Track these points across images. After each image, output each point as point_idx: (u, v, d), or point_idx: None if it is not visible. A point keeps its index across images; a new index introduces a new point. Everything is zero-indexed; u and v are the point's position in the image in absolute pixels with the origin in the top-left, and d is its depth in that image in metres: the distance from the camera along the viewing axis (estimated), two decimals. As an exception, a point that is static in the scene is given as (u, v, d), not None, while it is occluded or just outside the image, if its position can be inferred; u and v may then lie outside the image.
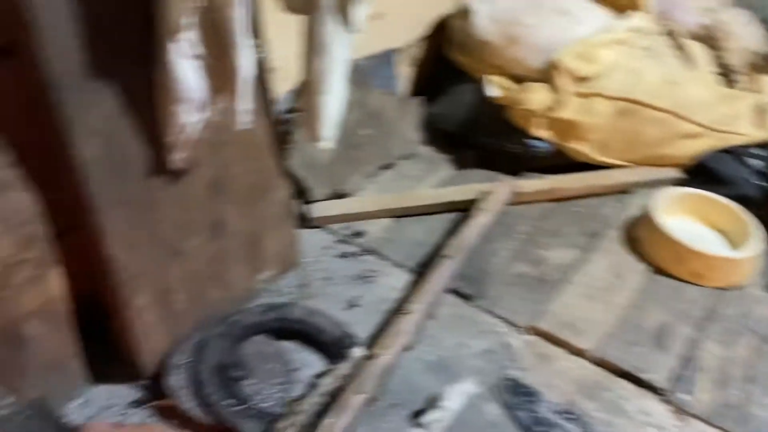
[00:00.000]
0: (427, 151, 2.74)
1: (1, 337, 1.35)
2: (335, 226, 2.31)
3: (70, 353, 1.53)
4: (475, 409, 1.65)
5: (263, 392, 1.60)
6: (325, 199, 2.37)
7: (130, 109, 1.39)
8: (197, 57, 1.38)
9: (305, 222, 2.27)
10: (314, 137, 1.73)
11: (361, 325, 1.88)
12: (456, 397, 1.62)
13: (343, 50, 1.63)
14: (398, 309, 1.90)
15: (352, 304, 1.98)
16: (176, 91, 1.39)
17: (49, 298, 1.43)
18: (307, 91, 1.69)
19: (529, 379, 1.75)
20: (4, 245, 1.29)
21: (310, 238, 2.21)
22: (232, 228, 1.76)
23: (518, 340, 1.89)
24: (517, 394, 1.68)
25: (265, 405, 1.57)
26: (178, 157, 1.50)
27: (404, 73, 2.87)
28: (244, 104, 1.49)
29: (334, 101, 1.70)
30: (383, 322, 1.90)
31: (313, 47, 1.59)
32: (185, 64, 1.37)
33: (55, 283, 1.43)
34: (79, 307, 1.53)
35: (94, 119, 1.33)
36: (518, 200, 2.39)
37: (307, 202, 2.32)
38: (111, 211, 1.42)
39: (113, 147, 1.38)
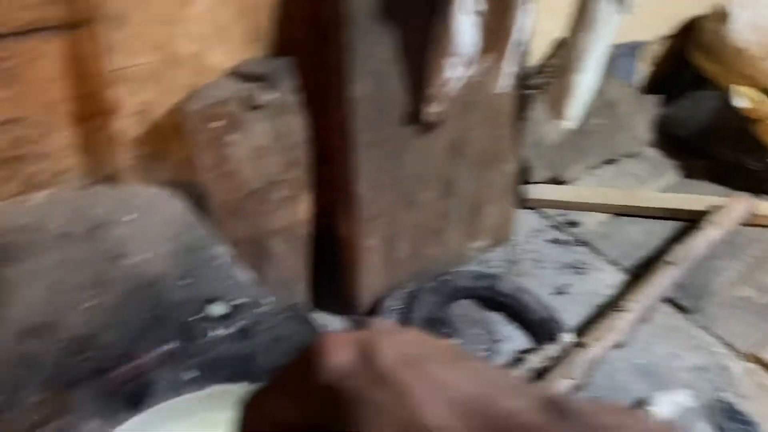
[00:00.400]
0: (655, 153, 2.60)
1: (252, 246, 1.46)
2: (550, 211, 2.27)
3: (300, 276, 1.63)
4: (686, 422, 1.56)
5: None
6: (543, 182, 2.33)
7: (403, 55, 1.44)
8: (478, 13, 1.40)
9: (521, 201, 2.25)
10: (559, 114, 1.70)
11: (569, 313, 1.84)
12: (667, 405, 1.54)
13: (609, 31, 1.58)
14: (612, 305, 1.84)
15: (560, 291, 1.94)
16: (450, 45, 1.41)
17: (296, 220, 1.53)
18: (564, 67, 1.66)
19: (747, 407, 1.62)
20: (273, 162, 1.39)
21: (523, 218, 2.19)
22: (460, 190, 1.78)
23: (737, 365, 1.75)
24: (733, 420, 1.56)
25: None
26: (433, 110, 1.54)
27: (643, 69, 2.74)
28: (510, 67, 1.49)
29: (587, 81, 1.66)
30: (593, 315, 1.85)
31: (582, 23, 1.55)
32: (465, 19, 1.39)
33: (303, 208, 1.53)
34: (315, 236, 1.62)
35: (372, 60, 1.39)
36: (753, 221, 2.21)
37: (526, 182, 2.30)
38: (366, 151, 1.48)
39: (381, 89, 1.44)
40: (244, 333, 0.98)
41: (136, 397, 0.81)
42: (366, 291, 1.67)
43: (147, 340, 0.87)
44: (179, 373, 0.81)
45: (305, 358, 0.29)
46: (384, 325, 0.31)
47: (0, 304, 0.98)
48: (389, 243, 1.66)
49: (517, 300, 1.79)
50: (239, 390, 0.80)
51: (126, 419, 0.73)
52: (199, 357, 0.91)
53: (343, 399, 0.27)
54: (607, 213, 2.28)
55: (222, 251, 1.14)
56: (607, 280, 2.00)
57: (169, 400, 0.78)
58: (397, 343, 0.29)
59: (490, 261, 2.01)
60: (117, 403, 0.78)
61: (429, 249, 1.80)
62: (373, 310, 1.67)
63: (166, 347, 0.79)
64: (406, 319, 1.65)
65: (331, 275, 1.72)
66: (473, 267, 1.93)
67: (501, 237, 2.04)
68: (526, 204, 2.25)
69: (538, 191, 2.29)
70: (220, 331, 0.98)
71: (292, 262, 1.59)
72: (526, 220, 2.21)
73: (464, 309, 1.76)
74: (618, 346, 1.70)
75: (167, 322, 0.96)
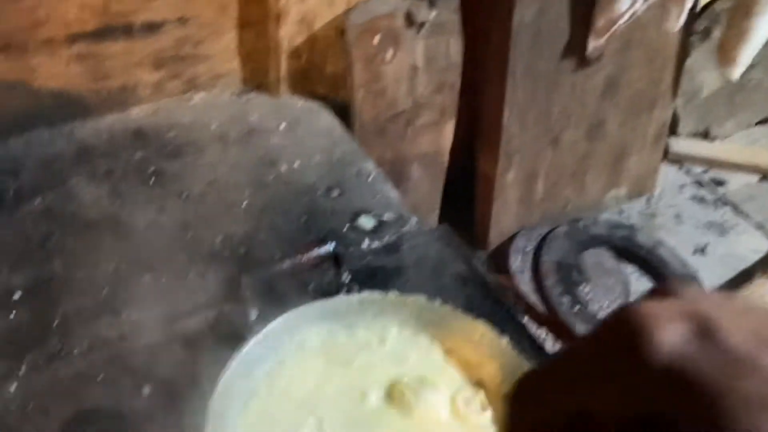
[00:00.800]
0: (820, 116, 2.38)
1: (392, 170, 1.45)
2: (695, 167, 2.13)
3: (434, 205, 1.61)
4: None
5: (600, 303, 1.56)
6: (691, 136, 2.19)
7: (570, -18, 1.36)
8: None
9: (665, 153, 2.12)
10: (728, 60, 1.56)
11: (708, 274, 1.74)
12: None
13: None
14: (756, 271, 1.72)
15: (700, 250, 1.83)
16: (623, -26, 1.32)
17: (437, 147, 1.50)
18: (740, 8, 1.52)
19: None
20: (424, 84, 1.37)
21: (667, 171, 2.07)
22: (608, 133, 1.70)
23: None
24: None
25: (601, 315, 1.53)
26: (594, 45, 1.45)
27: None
28: (685, 3, 1.38)
29: (764, 25, 1.51)
30: (734, 279, 1.74)
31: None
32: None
33: (447, 135, 1.50)
34: (451, 166, 1.59)
35: (538, -15, 1.32)
36: None
37: (672, 134, 2.16)
38: (518, 82, 1.43)
39: (545, 19, 1.37)
40: (391, 248, 0.98)
41: (293, 293, 0.82)
42: (497, 228, 1.64)
43: (302, 243, 0.89)
44: (334, 277, 0.81)
45: (619, 332, 0.25)
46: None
47: (166, 195, 1.02)
48: (527, 181, 1.61)
49: (655, 254, 1.70)
50: (391, 298, 0.80)
51: (280, 315, 0.75)
52: (351, 264, 0.92)
53: (695, 386, 0.23)
54: (757, 174, 2.12)
55: (370, 167, 1.14)
56: (752, 244, 1.87)
57: (323, 300, 0.79)
58: (736, 315, 0.25)
59: (629, 212, 1.92)
60: (275, 298, 0.80)
61: (566, 192, 1.74)
62: (502, 250, 1.64)
63: (323, 249, 0.79)
64: (535, 261, 1.61)
65: (462, 209, 1.69)
66: (610, 216, 1.85)
67: (642, 188, 1.94)
68: (670, 157, 2.13)
69: (684, 145, 2.15)
70: (369, 244, 0.99)
71: (427, 191, 1.57)
72: (670, 174, 2.09)
73: (597, 258, 1.70)
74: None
75: (320, 228, 0.97)
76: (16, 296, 0.84)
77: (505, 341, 0.76)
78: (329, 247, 0.81)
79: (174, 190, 1.04)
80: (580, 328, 1.47)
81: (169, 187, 1.04)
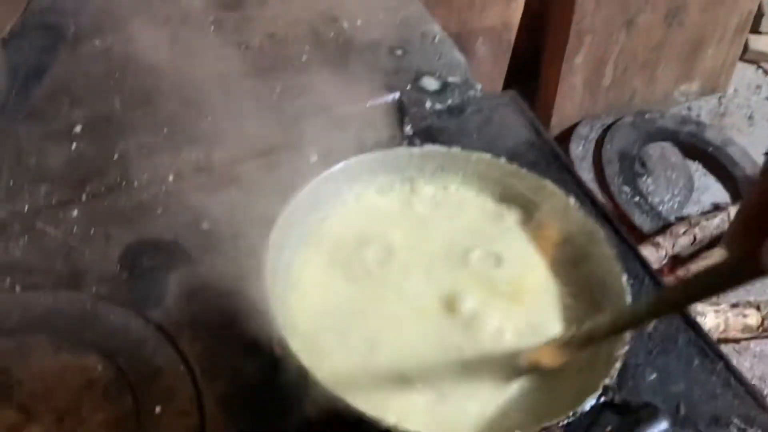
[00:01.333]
0: None
1: (456, 44, 1.39)
2: (775, 67, 2.00)
3: (496, 84, 1.55)
4: None
5: (660, 195, 1.51)
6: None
7: None
8: None
9: (744, 50, 2.00)
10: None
11: (778, 177, 1.65)
12: None
13: None
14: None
15: (771, 153, 1.75)
16: None
17: (505, 20, 1.43)
18: None
19: None
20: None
21: (742, 69, 1.95)
22: (687, 20, 1.59)
23: None
24: None
25: (660, 207, 1.48)
26: None
27: None
28: None
29: None
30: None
31: None
32: None
33: (516, 8, 1.42)
34: (518, 45, 1.52)
35: None
36: None
37: (754, 31, 2.02)
38: (597, -48, 1.33)
39: None
40: (455, 110, 0.94)
41: (353, 145, 0.80)
42: (560, 115, 1.58)
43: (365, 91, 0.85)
44: (396, 130, 0.78)
45: None
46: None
47: (225, 44, 1.00)
48: (595, 65, 1.54)
49: (724, 152, 1.63)
50: (455, 152, 0.77)
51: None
52: (413, 124, 0.88)
53: None
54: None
55: (436, 29, 1.09)
56: (832, 151, 1.77)
57: (384, 150, 0.76)
58: None
59: (698, 110, 1.83)
60: (335, 147, 0.77)
61: (635, 81, 1.66)
62: (564, 137, 1.59)
63: (387, 98, 0.76)
64: (598, 150, 1.56)
65: (525, 93, 1.62)
66: (679, 110, 1.77)
67: (715, 85, 1.84)
68: (748, 55, 2.00)
69: (764, 43, 2.02)
70: (432, 105, 0.95)
71: (491, 68, 1.51)
72: (745, 73, 1.97)
73: (662, 151, 1.63)
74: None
75: (383, 82, 0.94)
76: (77, 129, 0.84)
77: (572, 200, 0.73)
78: (393, 95, 0.77)
79: (233, 40, 1.01)
80: (639, 219, 1.43)
81: (229, 37, 1.01)
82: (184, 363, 0.63)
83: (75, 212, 0.74)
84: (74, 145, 0.82)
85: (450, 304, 0.65)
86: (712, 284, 0.44)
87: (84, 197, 0.76)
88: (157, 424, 0.58)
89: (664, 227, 1.40)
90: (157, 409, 0.60)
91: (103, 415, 0.59)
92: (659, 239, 1.32)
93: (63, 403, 0.59)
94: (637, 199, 1.45)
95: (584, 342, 0.57)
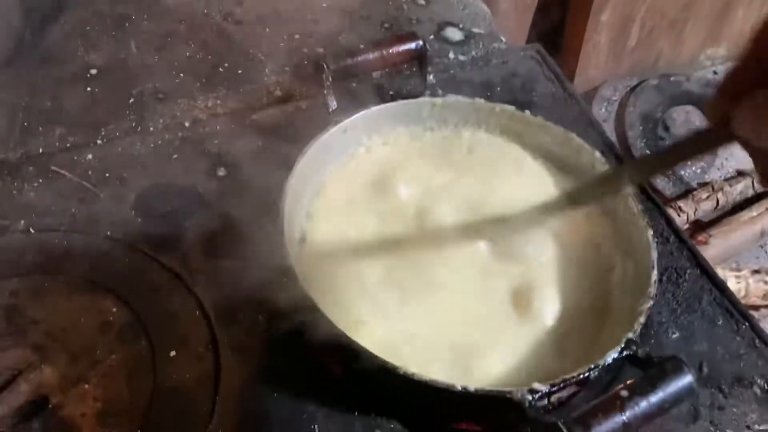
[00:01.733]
0: None
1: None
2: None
3: (520, 41, 1.52)
4: None
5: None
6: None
7: None
8: None
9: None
10: None
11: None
12: None
13: None
14: None
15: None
16: None
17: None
18: None
19: None
20: None
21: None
22: (717, -23, 1.54)
23: None
24: None
25: (683, 172, 1.45)
26: None
27: None
28: None
29: None
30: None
31: None
32: None
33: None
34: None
35: None
36: None
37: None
38: None
39: None
40: (478, 62, 0.92)
41: (374, 94, 0.78)
42: (584, 76, 1.54)
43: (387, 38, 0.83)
44: (418, 80, 0.76)
45: None
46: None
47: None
48: (622, 23, 1.49)
49: (749, 118, 1.58)
50: (479, 103, 0.75)
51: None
52: (438, 72, 0.86)
53: None
54: None
55: (460, -21, 1.05)
56: None
57: (406, 100, 0.75)
58: None
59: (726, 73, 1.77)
60: (356, 97, 0.76)
61: (661, 43, 1.61)
62: (587, 98, 1.55)
63: (409, 45, 0.74)
64: (620, 112, 1.52)
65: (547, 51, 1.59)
66: (705, 74, 1.72)
67: (743, 49, 1.78)
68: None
69: (799, 6, 1.95)
70: (455, 56, 0.93)
71: (515, 24, 1.47)
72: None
73: (686, 116, 1.59)
74: None
75: (405, 31, 0.91)
76: (93, 72, 0.83)
77: (598, 154, 0.71)
78: (417, 43, 0.75)
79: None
80: (661, 183, 1.41)
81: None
82: (199, 308, 0.62)
83: (90, 156, 0.73)
84: (89, 88, 0.81)
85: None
86: (690, 149, 0.47)
87: (99, 141, 0.75)
88: (172, 368, 0.58)
89: (686, 192, 1.37)
90: (172, 353, 0.59)
91: (118, 357, 0.58)
92: (681, 203, 1.29)
93: (77, 344, 0.59)
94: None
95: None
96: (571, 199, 0.61)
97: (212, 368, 0.58)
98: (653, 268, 0.60)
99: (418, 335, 0.59)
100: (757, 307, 1.21)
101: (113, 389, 0.56)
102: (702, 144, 0.46)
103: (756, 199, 1.36)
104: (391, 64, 0.76)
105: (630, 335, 0.55)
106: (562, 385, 0.53)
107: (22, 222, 0.67)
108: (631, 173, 0.57)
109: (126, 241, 0.66)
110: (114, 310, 0.61)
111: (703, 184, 1.41)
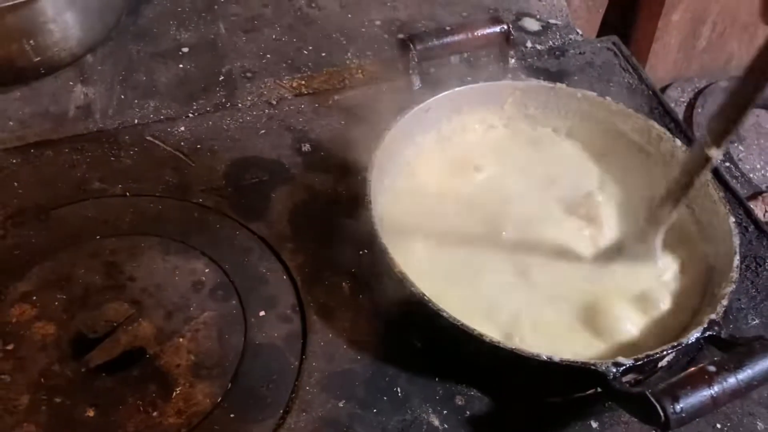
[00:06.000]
0: None
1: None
2: None
3: (590, 35, 1.51)
4: None
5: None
6: None
7: None
8: None
9: None
10: None
11: None
12: None
13: None
14: None
15: None
16: None
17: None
18: None
19: None
20: None
21: None
22: (795, -18, 1.51)
23: None
24: None
25: (751, 175, 1.43)
26: None
27: None
28: None
29: None
30: None
31: None
32: None
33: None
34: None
35: None
36: None
37: None
38: None
39: None
40: (556, 51, 0.92)
41: (457, 75, 0.79)
42: (652, 74, 1.52)
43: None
44: (504, 59, 0.77)
45: None
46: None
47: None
48: (693, 24, 1.48)
49: (822, 123, 1.55)
50: (560, 88, 0.76)
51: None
52: (516, 59, 0.87)
53: None
54: None
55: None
56: None
57: (487, 83, 0.76)
58: None
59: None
60: (439, 79, 0.77)
61: (733, 44, 1.59)
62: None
63: (495, 27, 0.75)
64: (688, 114, 1.50)
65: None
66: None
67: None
68: None
69: None
70: (533, 46, 0.94)
71: (584, 21, 1.47)
72: None
73: (756, 119, 1.57)
74: None
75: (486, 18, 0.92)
76: (184, 50, 0.86)
77: (678, 142, 0.71)
78: (501, 27, 0.76)
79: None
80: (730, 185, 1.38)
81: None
82: (286, 273, 0.64)
83: (182, 128, 0.76)
84: (181, 65, 0.84)
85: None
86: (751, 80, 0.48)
87: (191, 114, 0.78)
88: (261, 326, 0.60)
89: (755, 194, 1.35)
90: (261, 312, 0.61)
91: (210, 315, 0.61)
92: (752, 204, 1.27)
93: (172, 300, 0.62)
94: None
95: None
96: (671, 193, 0.60)
97: (299, 329, 0.60)
98: (735, 253, 0.60)
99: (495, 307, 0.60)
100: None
101: (206, 344, 0.59)
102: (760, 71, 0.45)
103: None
104: (475, 47, 0.77)
105: (713, 316, 0.56)
106: (645, 359, 0.53)
107: (119, 186, 0.71)
108: (707, 139, 0.54)
109: (217, 208, 0.69)
110: (206, 270, 0.64)
111: (773, 188, 1.38)
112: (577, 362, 0.53)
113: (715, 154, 0.54)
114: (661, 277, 0.64)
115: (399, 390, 0.57)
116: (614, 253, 0.65)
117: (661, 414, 0.46)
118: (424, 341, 0.60)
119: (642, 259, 0.64)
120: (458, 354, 0.58)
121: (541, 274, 0.63)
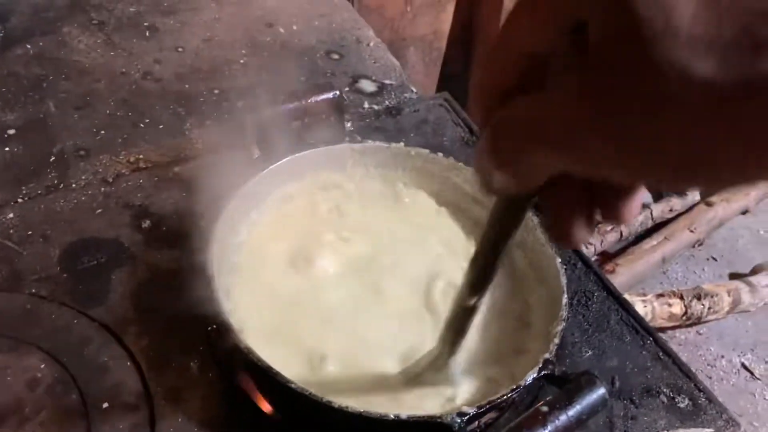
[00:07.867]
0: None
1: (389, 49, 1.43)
2: None
3: (429, 87, 1.59)
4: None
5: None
6: None
7: None
8: None
9: None
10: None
11: None
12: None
13: None
14: None
15: None
16: None
17: (434, 30, 1.47)
18: None
19: None
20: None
21: None
22: None
23: None
24: None
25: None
26: None
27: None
28: None
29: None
30: None
31: None
32: None
33: (444, 21, 1.47)
34: (449, 54, 1.57)
35: None
36: None
37: None
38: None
39: None
40: (392, 111, 0.97)
41: (294, 143, 0.81)
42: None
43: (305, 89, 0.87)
44: (339, 123, 0.80)
45: None
46: None
47: (161, 48, 0.99)
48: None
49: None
50: (395, 148, 0.79)
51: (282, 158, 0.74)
52: (354, 121, 0.91)
53: None
54: None
55: (370, 35, 1.11)
56: None
57: (326, 147, 0.78)
58: None
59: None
60: (277, 145, 0.78)
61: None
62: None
63: (327, 95, 0.78)
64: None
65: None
66: None
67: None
68: None
69: None
70: (370, 106, 0.97)
71: (422, 76, 1.55)
72: None
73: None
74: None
75: (321, 83, 0.95)
76: (10, 132, 0.82)
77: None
78: (334, 93, 0.79)
79: (169, 44, 1.01)
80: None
81: (165, 42, 1.01)
82: (130, 358, 0.62)
83: (11, 215, 0.73)
84: (8, 148, 0.80)
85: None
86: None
87: (20, 199, 0.75)
88: (105, 420, 0.58)
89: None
90: (105, 404, 0.59)
91: (48, 414, 0.58)
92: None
93: (4, 404, 0.58)
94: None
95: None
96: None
97: (147, 416, 0.58)
98: (563, 292, 0.65)
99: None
100: (663, 329, 1.29)
101: (45, 446, 0.56)
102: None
103: (655, 229, 1.46)
104: (311, 113, 0.79)
105: (546, 355, 0.59)
106: (488, 406, 0.56)
107: (-59, 284, 0.66)
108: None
109: (52, 297, 0.66)
110: (42, 366, 0.61)
111: (608, 218, 1.50)
112: (422, 416, 0.55)
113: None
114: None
115: (255, 468, 0.56)
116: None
117: (503, 460, 0.48)
118: (277, 410, 0.60)
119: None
120: (311, 421, 0.58)
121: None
